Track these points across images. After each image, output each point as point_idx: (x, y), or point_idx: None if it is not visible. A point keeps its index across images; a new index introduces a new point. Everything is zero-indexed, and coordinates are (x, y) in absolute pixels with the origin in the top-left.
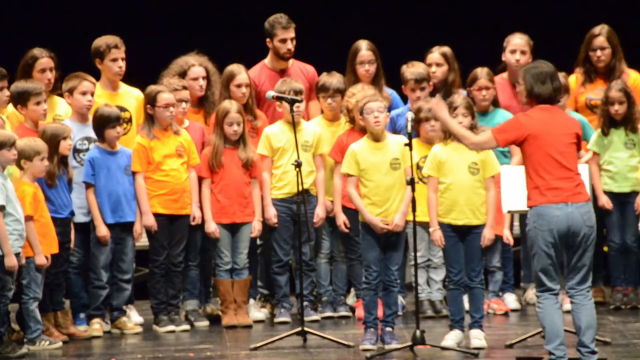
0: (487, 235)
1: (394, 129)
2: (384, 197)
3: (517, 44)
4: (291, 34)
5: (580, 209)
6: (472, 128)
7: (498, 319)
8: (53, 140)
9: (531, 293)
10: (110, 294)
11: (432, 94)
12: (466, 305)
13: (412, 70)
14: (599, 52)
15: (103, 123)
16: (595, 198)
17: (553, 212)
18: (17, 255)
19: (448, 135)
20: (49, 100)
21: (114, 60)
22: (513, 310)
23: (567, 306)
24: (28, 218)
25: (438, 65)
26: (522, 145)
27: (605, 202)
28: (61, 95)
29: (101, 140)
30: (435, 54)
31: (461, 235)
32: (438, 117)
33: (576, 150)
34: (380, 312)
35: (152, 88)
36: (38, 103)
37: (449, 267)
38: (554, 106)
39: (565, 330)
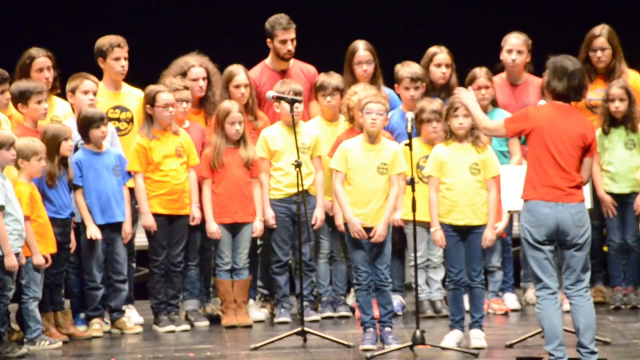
0: (488, 236)
1: (385, 127)
2: (366, 199)
3: (513, 43)
4: (291, 34)
5: (572, 209)
6: (473, 128)
7: (498, 319)
8: (54, 141)
9: (531, 293)
10: (107, 295)
11: (426, 95)
12: (466, 305)
13: (407, 69)
14: (599, 53)
15: (87, 124)
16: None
17: (542, 210)
18: (17, 255)
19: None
20: (47, 100)
21: (117, 59)
22: (513, 310)
23: (567, 306)
24: (25, 218)
25: (447, 66)
26: (527, 138)
27: (609, 204)
28: (59, 95)
29: (87, 141)
30: (445, 55)
31: (462, 235)
32: (467, 104)
33: (580, 153)
34: (376, 313)
35: (151, 88)
36: (39, 102)
37: (449, 267)
38: (570, 105)
39: (565, 330)
